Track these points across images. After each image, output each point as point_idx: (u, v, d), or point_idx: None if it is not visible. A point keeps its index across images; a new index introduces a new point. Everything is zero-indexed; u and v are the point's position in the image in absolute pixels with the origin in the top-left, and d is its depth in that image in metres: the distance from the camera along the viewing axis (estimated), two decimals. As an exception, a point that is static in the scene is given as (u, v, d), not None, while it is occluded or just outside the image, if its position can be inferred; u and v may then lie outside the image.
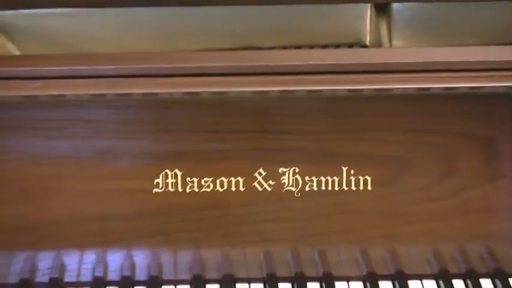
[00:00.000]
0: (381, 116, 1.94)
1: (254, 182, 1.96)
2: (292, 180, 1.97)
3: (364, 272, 2.01)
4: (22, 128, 1.94)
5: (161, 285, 2.02)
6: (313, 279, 2.01)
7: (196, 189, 1.96)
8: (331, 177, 1.96)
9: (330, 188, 1.97)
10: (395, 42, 2.16)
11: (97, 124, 1.94)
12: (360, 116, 1.94)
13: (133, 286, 2.02)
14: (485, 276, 2.02)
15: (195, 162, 1.94)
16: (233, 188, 1.96)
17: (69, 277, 2.03)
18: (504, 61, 1.92)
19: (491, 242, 2.00)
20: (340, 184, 1.97)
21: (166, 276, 2.01)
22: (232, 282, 2.00)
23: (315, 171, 1.96)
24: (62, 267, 1.99)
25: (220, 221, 1.97)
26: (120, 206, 1.97)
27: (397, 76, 1.90)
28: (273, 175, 1.96)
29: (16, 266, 1.99)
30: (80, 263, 2.00)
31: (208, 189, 1.96)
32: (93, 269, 2.00)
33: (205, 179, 1.95)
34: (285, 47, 2.15)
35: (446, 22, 2.19)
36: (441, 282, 2.01)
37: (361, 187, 1.97)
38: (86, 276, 2.00)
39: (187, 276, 2.01)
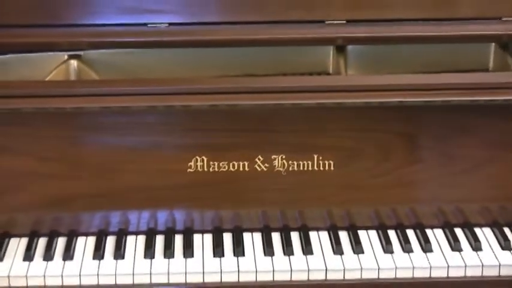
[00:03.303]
0: (340, 120, 1.96)
1: (255, 164, 1.98)
2: (281, 163, 1.98)
3: (328, 224, 2.02)
4: (99, 128, 1.97)
5: (193, 233, 2.00)
6: (294, 229, 2.01)
7: (216, 170, 1.97)
8: (307, 161, 1.98)
9: (305, 168, 1.98)
10: (349, 71, 2.17)
11: (150, 126, 1.97)
12: (326, 120, 1.97)
13: (174, 234, 2.00)
14: (409, 227, 2.02)
15: (215, 151, 1.96)
16: (241, 169, 1.98)
17: (132, 228, 2.01)
18: (423, 84, 1.94)
19: (413, 205, 2.02)
20: (312, 166, 1.98)
21: (196, 227, 2.01)
22: (240, 231, 2.01)
23: (296, 157, 1.98)
24: (126, 222, 2.00)
25: (232, 190, 1.99)
26: (165, 180, 1.98)
27: (350, 94, 1.94)
28: (268, 160, 1.98)
29: (95, 221, 2.01)
30: (139, 218, 2.01)
31: (224, 170, 1.97)
32: (148, 222, 2.01)
33: (222, 162, 1.97)
34: (275, 75, 2.16)
35: (384, 58, 2.20)
36: (380, 232, 2.00)
37: (327, 168, 1.98)
38: (143, 227, 2.01)
39: (210, 227, 2.01)
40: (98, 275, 1.90)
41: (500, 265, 1.91)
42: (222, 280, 1.91)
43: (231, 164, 1.98)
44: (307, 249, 1.96)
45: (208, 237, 2.01)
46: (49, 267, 1.91)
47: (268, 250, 1.96)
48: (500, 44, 2.20)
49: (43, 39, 2.11)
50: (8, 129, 1.94)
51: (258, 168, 1.98)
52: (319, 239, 2.00)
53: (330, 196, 2.01)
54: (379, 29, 2.14)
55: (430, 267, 1.92)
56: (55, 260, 1.94)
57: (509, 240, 1.96)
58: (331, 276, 1.91)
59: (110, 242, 2.00)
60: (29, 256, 1.93)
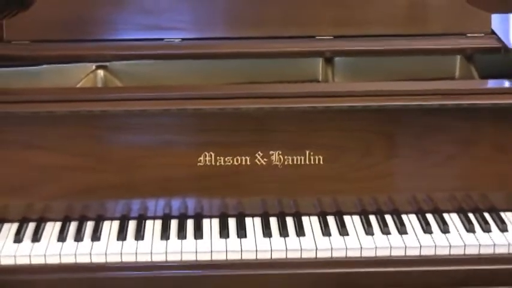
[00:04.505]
0: (328, 121, 1.97)
1: (255, 159, 1.98)
2: (278, 158, 1.98)
3: (318, 210, 2.02)
4: (122, 128, 1.97)
5: (202, 218, 1.99)
6: (289, 215, 2.01)
7: (222, 164, 1.97)
8: (299, 156, 1.98)
9: (299, 163, 1.98)
10: (336, 79, 2.19)
11: (165, 126, 1.97)
12: (316, 121, 1.97)
13: (186, 218, 1.99)
14: (387, 213, 2.01)
15: (221, 148, 1.97)
16: (243, 163, 1.98)
17: (150, 213, 2.00)
18: (399, 90, 1.96)
19: (391, 193, 2.02)
20: (304, 161, 1.98)
21: (205, 212, 2.01)
22: (243, 216, 2.00)
23: (290, 153, 1.98)
24: (145, 208, 2.01)
25: (236, 181, 1.99)
26: (178, 173, 1.98)
27: (337, 99, 1.95)
28: (266, 155, 1.98)
29: (119, 207, 2.00)
30: (156, 205, 2.00)
31: (229, 164, 1.97)
32: (163, 209, 2.01)
33: (228, 157, 1.97)
34: (272, 82, 2.18)
35: (366, 68, 2.21)
36: (362, 217, 2.00)
37: (317, 162, 1.98)
38: (159, 213, 2.00)
39: (217, 213, 2.01)
40: (121, 253, 1.90)
41: (465, 245, 1.91)
42: (228, 258, 1.90)
43: (234, 159, 1.98)
44: (300, 231, 1.95)
45: (216, 222, 2.00)
46: (79, 247, 1.91)
47: (267, 232, 1.95)
48: (465, 56, 2.21)
49: (74, 52, 2.14)
50: (44, 129, 1.95)
51: (258, 162, 1.98)
52: (310, 222, 2.00)
53: (320, 186, 2.01)
54: (362, 44, 2.17)
55: (405, 247, 1.91)
56: (84, 241, 1.93)
57: (472, 224, 1.96)
58: (321, 254, 1.91)
59: (132, 225, 1.98)
60: (62, 238, 1.93)
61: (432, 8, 2.17)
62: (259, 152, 1.98)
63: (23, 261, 1.88)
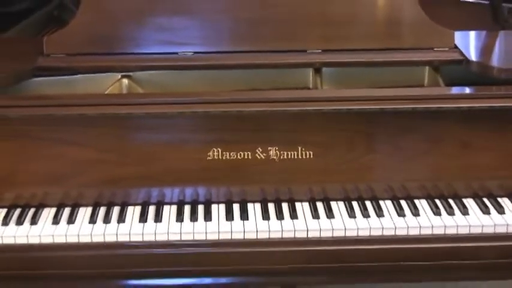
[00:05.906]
0: (317, 122, 1.99)
1: (255, 154, 1.99)
2: (275, 153, 2.00)
3: (309, 197, 2.03)
4: (143, 128, 1.99)
5: (211, 204, 2.01)
6: (284, 201, 2.02)
7: (228, 158, 1.99)
8: (293, 151, 2.00)
9: (292, 157, 2.00)
10: (324, 87, 2.20)
11: (180, 126, 1.99)
12: (307, 122, 1.99)
13: (197, 204, 2.00)
14: (367, 199, 2.02)
15: (227, 144, 1.98)
16: (245, 157, 1.99)
17: (167, 200, 1.99)
18: (378, 95, 1.99)
19: (370, 183, 2.03)
20: (297, 155, 2.00)
21: (213, 199, 2.02)
22: (245, 202, 2.02)
23: (285, 149, 1.99)
24: (163, 195, 2.02)
25: (239, 173, 2.00)
26: (190, 165, 1.99)
27: (325, 103, 1.97)
28: (265, 151, 1.99)
29: (140, 195, 2.01)
30: (172, 193, 2.02)
31: (233, 158, 1.99)
32: (178, 196, 2.02)
33: (232, 153, 1.99)
34: (270, 89, 2.20)
35: (349, 77, 2.23)
36: (346, 202, 2.01)
37: (308, 157, 2.00)
38: (174, 199, 2.02)
39: (223, 199, 2.02)
40: (142, 234, 1.91)
41: (432, 226, 1.94)
42: (232, 237, 1.92)
43: (238, 154, 1.98)
44: (293, 215, 1.96)
45: (222, 207, 2.00)
46: (107, 228, 1.92)
47: (266, 216, 1.95)
48: (433, 67, 2.23)
49: (103, 64, 2.14)
50: (77, 129, 1.97)
51: (258, 157, 1.99)
52: (302, 208, 1.99)
53: (310, 177, 2.01)
54: (346, 56, 2.17)
55: (382, 228, 1.92)
56: (112, 223, 1.93)
57: (439, 208, 1.99)
58: (311, 235, 1.92)
59: (151, 210, 1.98)
60: (93, 220, 1.95)
61: (405, 26, 2.18)
62: (259, 148, 1.99)
63: (59, 240, 1.91)
